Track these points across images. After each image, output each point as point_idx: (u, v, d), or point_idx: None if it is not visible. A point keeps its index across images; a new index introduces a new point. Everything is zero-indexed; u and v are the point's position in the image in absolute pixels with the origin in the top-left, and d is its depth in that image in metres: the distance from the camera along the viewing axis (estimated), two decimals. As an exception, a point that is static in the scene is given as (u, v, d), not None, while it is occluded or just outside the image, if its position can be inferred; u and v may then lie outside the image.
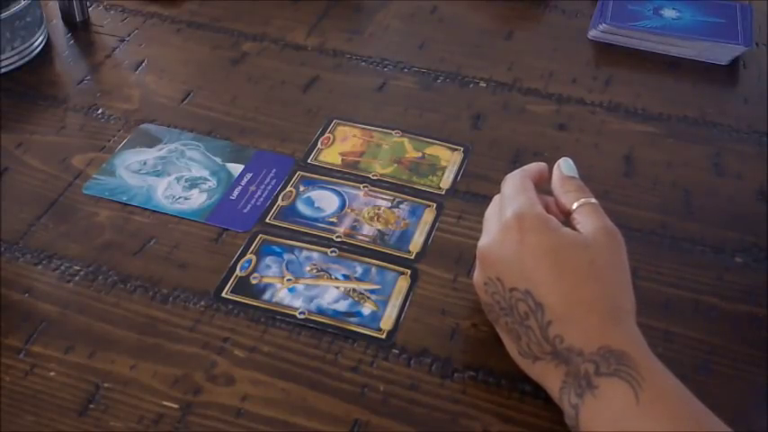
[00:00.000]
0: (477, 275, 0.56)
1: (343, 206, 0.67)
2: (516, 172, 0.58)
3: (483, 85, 0.81)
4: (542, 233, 0.52)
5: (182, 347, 0.57)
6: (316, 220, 0.66)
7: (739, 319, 0.60)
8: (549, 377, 0.51)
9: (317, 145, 0.73)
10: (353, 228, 0.65)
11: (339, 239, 0.64)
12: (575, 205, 0.55)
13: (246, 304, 0.59)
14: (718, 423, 0.46)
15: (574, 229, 0.54)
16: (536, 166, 0.58)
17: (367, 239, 0.64)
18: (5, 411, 0.53)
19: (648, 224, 0.66)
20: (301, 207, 0.67)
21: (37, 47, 0.82)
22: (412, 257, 0.63)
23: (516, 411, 0.53)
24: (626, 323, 0.50)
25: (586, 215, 0.54)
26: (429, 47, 0.86)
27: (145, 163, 0.71)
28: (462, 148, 0.73)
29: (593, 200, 0.55)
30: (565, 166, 0.58)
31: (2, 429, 0.52)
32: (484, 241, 0.55)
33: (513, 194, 0.55)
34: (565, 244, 0.52)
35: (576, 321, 0.49)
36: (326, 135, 0.74)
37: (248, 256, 0.63)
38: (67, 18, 0.87)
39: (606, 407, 0.47)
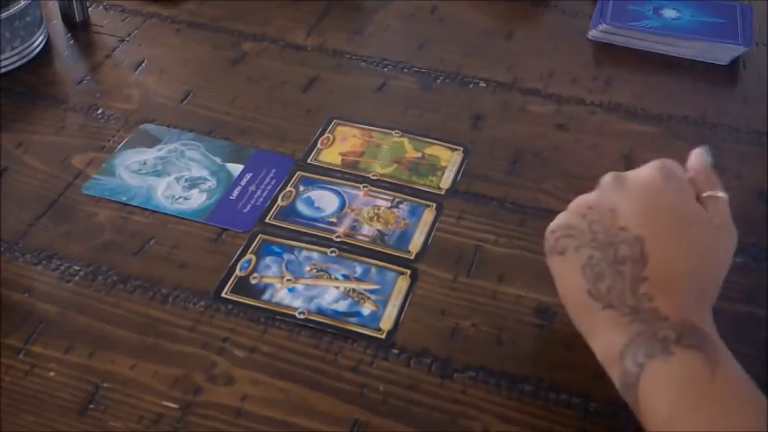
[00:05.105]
0: (587, 196, 0.53)
1: (342, 206, 0.67)
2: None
3: (483, 85, 0.81)
4: (689, 201, 0.51)
5: (181, 347, 0.57)
6: (315, 220, 0.66)
7: (739, 319, 0.60)
8: (615, 328, 0.48)
9: (316, 145, 0.73)
10: (353, 228, 0.65)
11: (339, 239, 0.64)
12: (704, 194, 0.53)
13: (246, 304, 0.59)
14: None
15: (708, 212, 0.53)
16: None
17: (367, 239, 0.64)
18: (5, 411, 0.53)
19: (648, 224, 0.66)
20: (301, 207, 0.67)
21: (37, 47, 0.82)
22: (412, 257, 0.63)
23: (516, 411, 0.53)
24: (710, 310, 0.49)
25: (714, 207, 0.53)
26: (429, 47, 0.86)
27: (145, 163, 0.71)
28: (462, 149, 0.73)
29: (723, 194, 0.54)
30: (708, 155, 0.57)
31: (2, 429, 0.52)
32: (629, 173, 0.53)
33: (673, 165, 0.54)
34: (700, 219, 0.51)
35: (673, 291, 0.48)
36: (326, 135, 0.74)
37: (248, 256, 0.63)
38: (67, 18, 0.87)
39: (678, 373, 0.45)
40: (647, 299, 0.48)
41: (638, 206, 0.50)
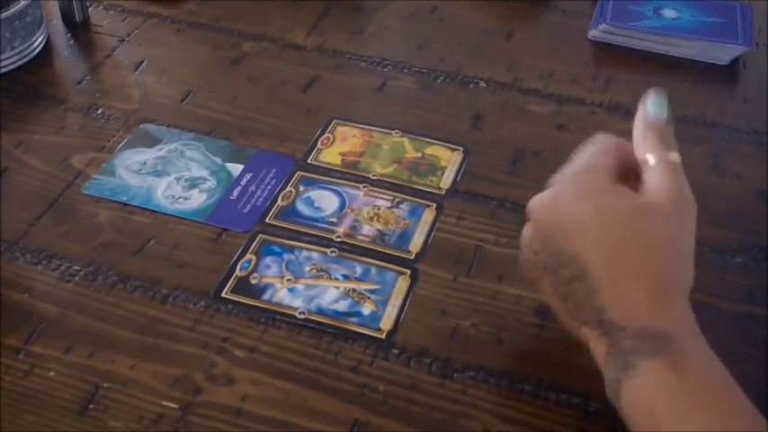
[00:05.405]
0: (526, 228, 0.52)
1: (342, 206, 0.67)
2: (610, 136, 0.53)
3: (483, 85, 0.81)
4: (604, 195, 0.49)
5: (181, 347, 0.57)
6: (315, 220, 0.66)
7: (739, 319, 0.60)
8: (595, 342, 0.48)
9: (316, 145, 0.73)
10: (353, 228, 0.65)
11: (339, 239, 0.64)
12: (651, 160, 0.50)
13: (246, 304, 0.59)
14: (755, 411, 0.44)
15: (645, 185, 0.50)
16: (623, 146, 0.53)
17: (367, 239, 0.64)
18: (5, 411, 0.53)
19: (648, 224, 0.66)
20: (301, 207, 0.67)
21: (37, 47, 0.82)
22: (412, 257, 0.63)
23: (516, 411, 0.53)
24: (675, 301, 0.47)
25: (660, 175, 0.49)
26: (429, 47, 0.86)
27: (145, 163, 0.71)
28: (462, 148, 0.73)
29: (675, 156, 0.50)
30: (652, 107, 0.53)
31: (2, 429, 0.52)
32: (543, 195, 0.51)
33: (591, 152, 0.52)
34: (625, 211, 0.48)
35: (620, 296, 0.47)
36: (326, 135, 0.74)
37: (248, 256, 0.63)
38: (67, 18, 0.87)
39: (647, 386, 0.45)
40: (603, 312, 0.47)
41: (565, 226, 0.49)
